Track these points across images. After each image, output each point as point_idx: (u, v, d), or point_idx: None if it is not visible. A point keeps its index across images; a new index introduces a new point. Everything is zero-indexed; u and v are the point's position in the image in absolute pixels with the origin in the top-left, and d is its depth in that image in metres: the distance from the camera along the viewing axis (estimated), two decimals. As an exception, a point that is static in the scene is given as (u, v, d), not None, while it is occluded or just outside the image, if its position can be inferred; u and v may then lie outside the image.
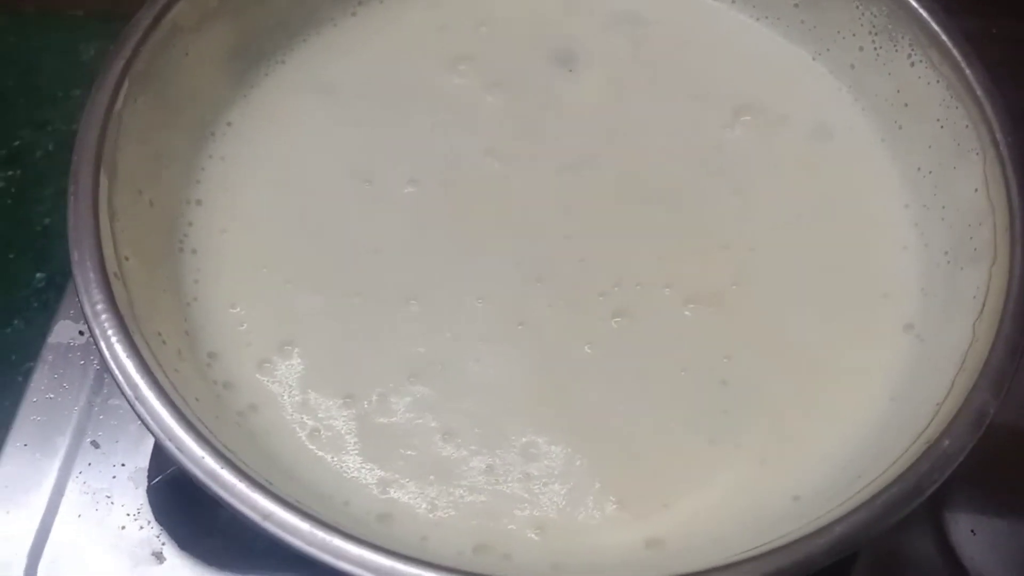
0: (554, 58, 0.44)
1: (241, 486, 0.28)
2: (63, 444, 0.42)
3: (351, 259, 0.38)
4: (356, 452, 0.34)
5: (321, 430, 0.34)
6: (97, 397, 0.43)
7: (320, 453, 0.34)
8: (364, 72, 0.43)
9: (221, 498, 0.28)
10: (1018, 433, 0.45)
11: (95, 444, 0.42)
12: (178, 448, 0.28)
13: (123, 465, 0.42)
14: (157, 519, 0.40)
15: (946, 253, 0.37)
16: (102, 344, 0.30)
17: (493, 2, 0.46)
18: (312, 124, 0.42)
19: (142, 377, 0.30)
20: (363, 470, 0.34)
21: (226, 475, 0.28)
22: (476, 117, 0.42)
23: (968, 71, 0.37)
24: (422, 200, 0.40)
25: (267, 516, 0.27)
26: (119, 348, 0.30)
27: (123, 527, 0.40)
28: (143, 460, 0.42)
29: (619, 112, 0.43)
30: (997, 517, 0.43)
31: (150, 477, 0.40)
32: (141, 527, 0.40)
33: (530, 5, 0.46)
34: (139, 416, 0.29)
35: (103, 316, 0.31)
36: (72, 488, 0.41)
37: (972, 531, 0.42)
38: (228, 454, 0.29)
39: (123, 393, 0.29)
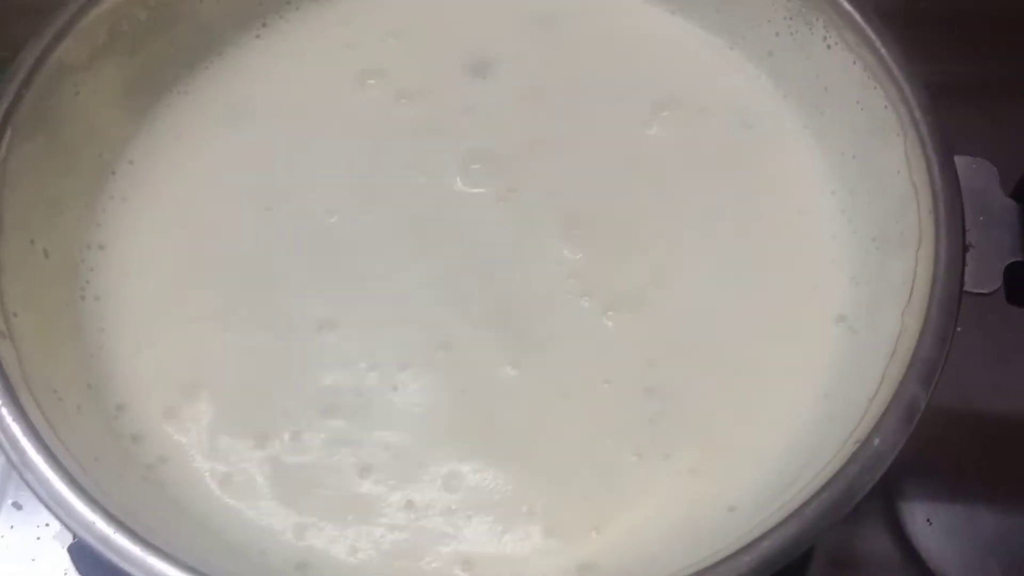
0: (467, 67, 0.43)
1: (135, 550, 0.26)
2: (-16, 507, 0.41)
3: (260, 292, 0.37)
4: (270, 497, 0.32)
5: (233, 475, 0.33)
6: (18, 455, 0.42)
7: (232, 501, 0.32)
8: (271, 95, 0.42)
9: (114, 564, 0.26)
10: (971, 420, 0.44)
11: (17, 505, 0.41)
12: (67, 514, 0.27)
13: (47, 525, 0.40)
14: (84, 578, 0.39)
15: (874, 239, 0.36)
16: (-14, 408, 0.29)
17: (401, 14, 0.44)
18: (218, 154, 0.40)
19: (29, 441, 0.28)
20: (278, 516, 0.32)
21: (119, 539, 0.27)
22: (388, 133, 0.41)
23: (883, 51, 0.36)
24: (335, 224, 0.38)
25: (162, 579, 0.26)
26: (4, 411, 0.29)
27: (49, 589, 0.39)
28: (69, 517, 0.40)
29: (536, 117, 0.41)
30: (952, 505, 0.42)
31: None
32: (68, 587, 0.39)
33: (440, 14, 0.44)
34: (26, 482, 0.28)
35: (-14, 379, 0.29)
36: (-5, 553, 0.39)
37: (928, 520, 0.41)
38: (124, 517, 0.27)
39: (8, 459, 0.28)
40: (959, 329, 0.45)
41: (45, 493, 0.27)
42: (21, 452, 0.28)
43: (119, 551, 0.26)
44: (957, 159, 0.34)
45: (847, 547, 0.41)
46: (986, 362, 0.44)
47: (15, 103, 0.35)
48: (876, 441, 0.28)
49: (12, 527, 0.40)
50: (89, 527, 0.27)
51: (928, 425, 0.41)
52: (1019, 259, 0.32)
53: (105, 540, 0.27)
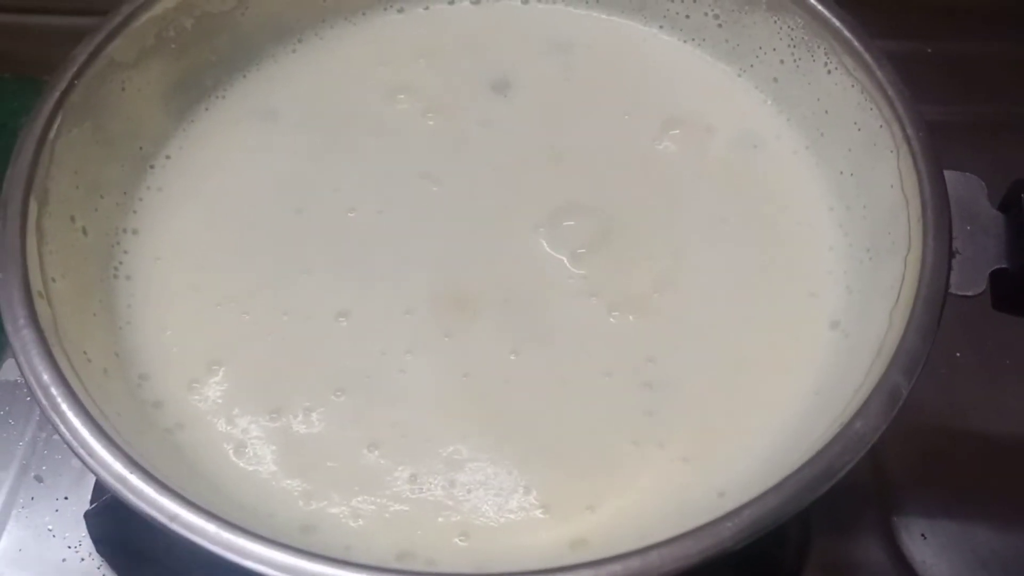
0: (490, 86, 0.45)
1: (149, 490, 0.28)
2: (6, 479, 0.42)
3: (282, 281, 0.38)
4: (282, 465, 0.34)
5: (248, 445, 0.34)
6: (43, 432, 0.44)
7: (246, 467, 0.34)
8: (303, 104, 0.44)
9: (129, 501, 0.28)
10: (968, 438, 0.45)
11: (39, 478, 0.42)
12: (88, 454, 0.29)
13: (66, 499, 0.42)
14: (97, 550, 0.40)
15: (868, 250, 0.37)
16: (21, 358, 0.31)
17: (431, 35, 0.47)
18: (250, 155, 0.42)
19: (58, 387, 0.30)
20: (288, 483, 0.34)
21: (134, 479, 0.28)
22: (413, 144, 0.43)
23: (879, 73, 0.38)
24: (357, 223, 0.40)
25: (174, 518, 0.27)
26: (37, 360, 0.31)
27: (64, 559, 0.40)
28: (86, 493, 0.42)
29: (551, 133, 0.43)
30: (948, 520, 0.42)
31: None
32: (82, 559, 0.40)
33: (467, 37, 0.47)
34: (51, 423, 0.29)
35: (23, 331, 0.31)
36: (14, 523, 0.41)
37: (923, 535, 0.42)
38: (140, 460, 0.29)
39: (37, 401, 0.30)
40: (957, 355, 0.47)
41: (68, 432, 0.29)
42: (50, 397, 0.30)
43: (135, 491, 0.28)
44: (947, 173, 0.35)
45: (842, 558, 0.41)
46: (982, 381, 0.45)
47: (67, 91, 0.37)
48: (858, 424, 0.30)
49: (32, 498, 0.41)
50: (108, 466, 0.28)
51: (926, 442, 0.42)
52: (1004, 266, 0.34)
53: (122, 479, 0.28)
